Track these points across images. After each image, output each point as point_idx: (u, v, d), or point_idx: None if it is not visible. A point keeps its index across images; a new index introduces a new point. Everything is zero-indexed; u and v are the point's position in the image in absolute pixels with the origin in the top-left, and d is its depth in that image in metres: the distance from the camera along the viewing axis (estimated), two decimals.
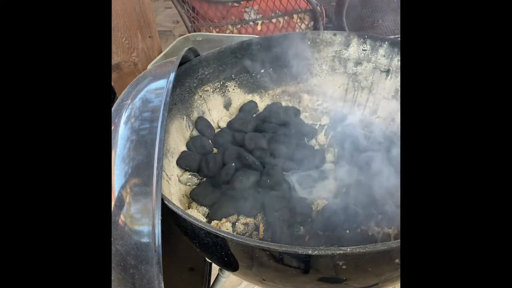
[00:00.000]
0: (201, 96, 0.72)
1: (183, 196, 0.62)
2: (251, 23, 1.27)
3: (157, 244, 0.38)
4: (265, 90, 0.78)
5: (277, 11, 1.25)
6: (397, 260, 0.38)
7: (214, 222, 0.58)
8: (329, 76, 0.78)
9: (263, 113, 0.75)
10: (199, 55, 0.70)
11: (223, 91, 0.75)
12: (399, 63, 0.71)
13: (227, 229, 0.57)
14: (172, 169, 0.63)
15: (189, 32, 1.26)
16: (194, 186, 0.63)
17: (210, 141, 0.70)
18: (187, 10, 1.28)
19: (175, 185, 0.62)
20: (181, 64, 0.55)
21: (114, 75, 1.07)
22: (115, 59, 1.04)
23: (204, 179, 0.64)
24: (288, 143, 0.68)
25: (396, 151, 0.64)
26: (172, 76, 0.49)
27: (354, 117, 0.75)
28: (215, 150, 0.69)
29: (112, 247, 0.40)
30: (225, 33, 1.28)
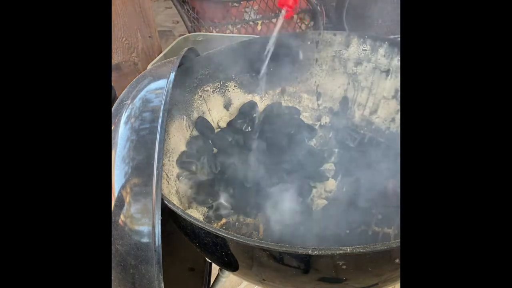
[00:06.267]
0: (201, 96, 0.72)
1: (183, 196, 0.62)
2: (251, 23, 1.27)
3: (157, 244, 0.38)
4: (265, 90, 0.78)
5: (277, 11, 1.25)
6: (397, 260, 0.38)
7: (214, 222, 0.58)
8: (329, 76, 0.78)
9: (263, 113, 0.75)
10: (199, 55, 0.70)
11: (223, 91, 0.75)
12: (399, 63, 0.71)
13: (227, 228, 0.57)
14: (172, 169, 0.63)
15: (189, 32, 1.26)
16: (194, 186, 0.63)
17: (210, 141, 0.70)
18: (187, 10, 1.28)
19: (175, 185, 0.62)
20: (181, 64, 0.55)
21: (114, 75, 1.07)
22: (115, 59, 1.04)
23: (204, 179, 0.64)
24: (288, 143, 0.68)
25: (396, 151, 0.64)
26: (172, 76, 0.49)
27: (354, 117, 0.75)
28: (215, 150, 0.69)
29: (112, 247, 0.40)
30: (225, 33, 1.28)
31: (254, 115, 0.75)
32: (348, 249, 0.36)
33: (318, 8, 1.24)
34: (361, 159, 0.64)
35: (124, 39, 1.02)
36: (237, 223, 0.57)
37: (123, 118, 0.47)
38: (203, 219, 0.59)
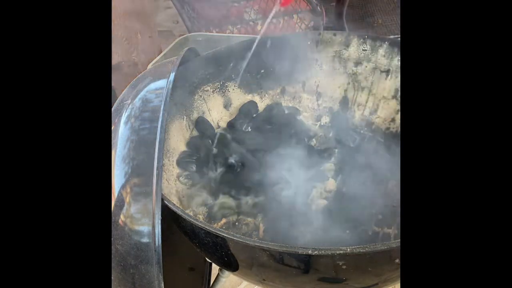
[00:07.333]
0: (201, 96, 0.72)
1: (183, 196, 0.62)
2: (251, 23, 1.27)
3: (157, 244, 0.38)
4: (265, 90, 0.78)
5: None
6: (397, 260, 0.38)
7: (214, 222, 0.58)
8: (329, 76, 0.78)
9: (263, 113, 0.75)
10: (199, 55, 0.70)
11: (223, 91, 0.75)
12: (399, 63, 0.71)
13: (227, 228, 0.57)
14: (172, 169, 0.63)
15: (189, 32, 1.26)
16: (194, 186, 0.63)
17: (210, 141, 0.70)
18: (187, 10, 1.28)
19: (175, 185, 0.62)
20: (181, 64, 0.55)
21: (114, 75, 1.06)
22: (115, 59, 1.04)
23: (205, 178, 0.64)
24: (288, 143, 0.68)
25: (396, 151, 0.64)
26: (172, 76, 0.49)
27: (354, 117, 0.75)
28: (215, 150, 0.69)
29: (112, 247, 0.40)
30: (225, 33, 1.28)
31: (254, 115, 0.75)
32: (348, 249, 0.36)
33: (318, 8, 1.24)
34: (361, 159, 0.64)
35: (124, 39, 1.02)
36: (237, 223, 0.57)
37: (123, 118, 0.47)
38: (203, 219, 0.59)
